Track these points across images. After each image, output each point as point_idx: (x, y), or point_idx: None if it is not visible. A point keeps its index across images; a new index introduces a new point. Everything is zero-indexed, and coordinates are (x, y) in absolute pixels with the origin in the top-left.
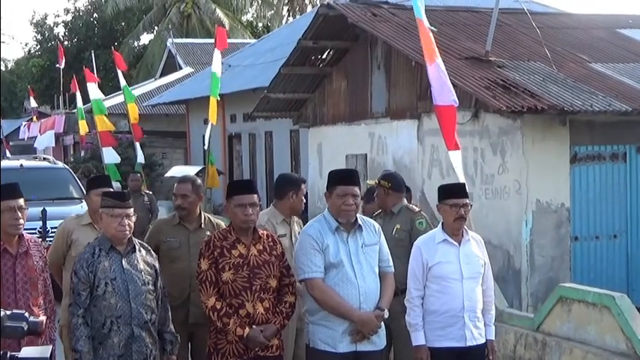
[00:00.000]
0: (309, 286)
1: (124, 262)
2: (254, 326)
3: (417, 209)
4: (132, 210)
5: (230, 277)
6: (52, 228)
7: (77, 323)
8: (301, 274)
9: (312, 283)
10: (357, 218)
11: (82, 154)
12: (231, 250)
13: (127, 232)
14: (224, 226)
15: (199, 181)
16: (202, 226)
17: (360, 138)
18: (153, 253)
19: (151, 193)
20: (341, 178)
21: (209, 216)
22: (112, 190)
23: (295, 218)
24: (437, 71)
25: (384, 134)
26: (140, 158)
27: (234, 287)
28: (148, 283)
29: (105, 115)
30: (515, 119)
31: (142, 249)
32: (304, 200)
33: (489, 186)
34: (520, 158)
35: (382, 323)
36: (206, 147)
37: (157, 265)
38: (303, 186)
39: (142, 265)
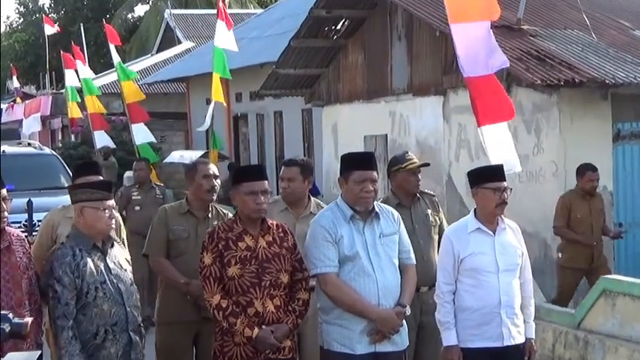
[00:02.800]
0: (322, 282)
1: (108, 261)
2: (264, 326)
3: (429, 191)
4: (114, 200)
5: (237, 272)
6: (38, 221)
7: (68, 337)
8: (313, 269)
9: (326, 278)
10: (374, 206)
11: (72, 138)
12: (237, 242)
13: (114, 226)
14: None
15: None
16: (210, 215)
17: (380, 117)
18: (122, 242)
19: (163, 185)
20: (358, 162)
21: (217, 206)
22: (101, 179)
23: (312, 208)
24: (481, 33)
25: (405, 113)
26: (142, 137)
27: (242, 283)
28: (132, 280)
29: (96, 95)
30: (551, 94)
31: (114, 242)
32: (295, 185)
33: (523, 168)
34: (557, 137)
35: (404, 321)
36: (201, 128)
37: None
38: (284, 168)
39: (123, 262)
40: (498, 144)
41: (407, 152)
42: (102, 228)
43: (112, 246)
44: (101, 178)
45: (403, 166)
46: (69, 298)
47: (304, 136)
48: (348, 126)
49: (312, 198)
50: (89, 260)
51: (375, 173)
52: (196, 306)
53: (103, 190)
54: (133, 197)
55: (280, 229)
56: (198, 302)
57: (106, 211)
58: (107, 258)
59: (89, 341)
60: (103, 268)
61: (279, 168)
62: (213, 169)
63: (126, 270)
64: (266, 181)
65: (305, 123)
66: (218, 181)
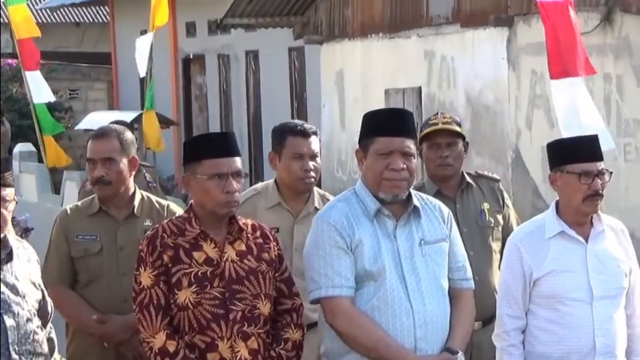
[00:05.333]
0: (328, 311)
1: None
2: None
3: (490, 174)
4: (10, 190)
5: (191, 297)
6: None
7: None
8: (315, 291)
9: (334, 305)
10: (411, 195)
11: None
12: (192, 252)
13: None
14: (178, 211)
15: (131, 134)
16: (135, 211)
17: (410, 61)
18: (34, 253)
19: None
20: (384, 125)
21: (146, 194)
22: None
23: (317, 202)
24: None
25: (449, 54)
26: (40, 96)
27: (199, 315)
28: (35, 314)
29: None
30: None
31: (19, 253)
32: (307, 168)
33: (631, 140)
34: None
35: None
36: (141, 73)
37: (40, 277)
38: (301, 140)
39: (23, 285)
40: (575, 108)
41: (438, 112)
42: None
43: (11, 259)
44: None
45: (421, 134)
46: None
47: (293, 89)
48: (360, 74)
49: (316, 188)
50: None
51: (409, 142)
52: (121, 357)
53: None
54: None
55: (258, 232)
56: (122, 351)
57: None
58: None
59: None
60: None
61: (253, 138)
62: (99, 149)
63: (24, 297)
64: (238, 158)
65: (294, 69)
66: (118, 167)
